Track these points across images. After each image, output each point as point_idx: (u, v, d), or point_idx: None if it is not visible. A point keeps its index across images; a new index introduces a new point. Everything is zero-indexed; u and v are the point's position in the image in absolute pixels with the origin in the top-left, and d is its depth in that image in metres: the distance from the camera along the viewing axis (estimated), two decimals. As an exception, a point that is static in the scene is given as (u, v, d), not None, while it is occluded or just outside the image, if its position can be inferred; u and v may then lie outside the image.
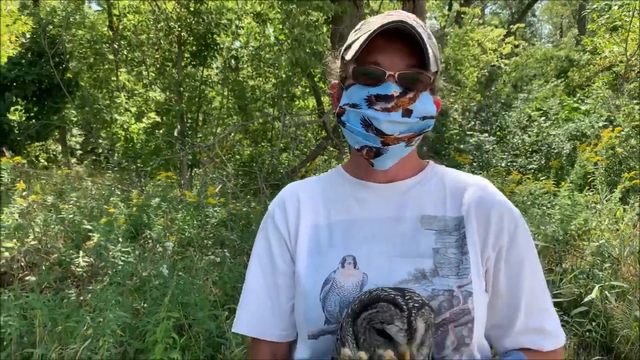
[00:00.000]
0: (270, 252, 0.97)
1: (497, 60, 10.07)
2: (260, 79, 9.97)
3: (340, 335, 0.76)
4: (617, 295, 3.27)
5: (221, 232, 4.94)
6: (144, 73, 9.88)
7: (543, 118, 8.13)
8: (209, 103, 10.11)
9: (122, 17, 9.96)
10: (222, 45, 9.50)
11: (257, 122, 9.59)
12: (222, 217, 5.23)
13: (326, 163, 8.77)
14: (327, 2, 6.00)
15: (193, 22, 8.30)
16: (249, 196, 7.00)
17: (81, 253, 4.24)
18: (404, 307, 0.71)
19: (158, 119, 9.42)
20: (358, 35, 0.88)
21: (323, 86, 9.63)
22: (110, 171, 8.80)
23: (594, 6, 8.77)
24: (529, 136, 8.00)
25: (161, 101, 9.36)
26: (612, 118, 7.07)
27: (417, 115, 0.86)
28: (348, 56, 0.87)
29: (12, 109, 8.94)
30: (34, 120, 8.86)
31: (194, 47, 9.05)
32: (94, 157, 9.31)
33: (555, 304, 3.28)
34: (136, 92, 10.09)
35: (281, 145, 8.92)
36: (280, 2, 7.44)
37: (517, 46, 11.01)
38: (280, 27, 9.03)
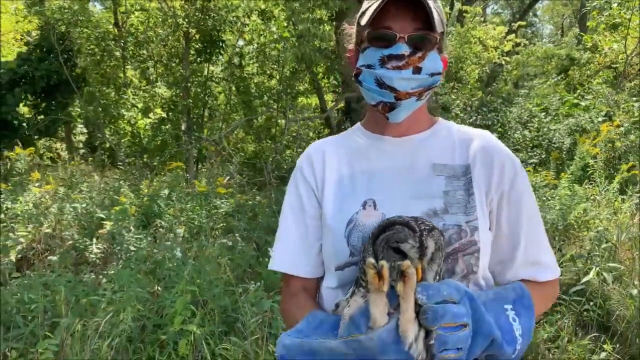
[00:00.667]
0: (300, 200, 1.11)
1: (499, 58, 10.18)
2: (265, 75, 10.09)
3: (363, 255, 0.88)
4: (614, 278, 3.40)
5: (229, 222, 5.08)
6: (151, 70, 10.00)
7: (543, 114, 8.26)
8: (214, 99, 10.24)
9: (129, 14, 10.10)
10: (227, 43, 9.63)
11: (261, 118, 9.72)
12: (230, 208, 5.36)
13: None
14: (332, -2, 6.12)
15: (201, 18, 8.43)
16: (254, 190, 7.15)
17: (94, 240, 4.37)
18: (417, 229, 0.82)
19: (164, 114, 9.54)
20: (371, 3, 1.01)
21: (326, 82, 9.77)
22: (116, 168, 8.94)
23: (594, 4, 8.88)
24: (530, 131, 8.12)
25: (167, 97, 9.49)
26: (612, 113, 7.19)
27: (426, 72, 0.98)
28: (363, 21, 1.00)
29: (21, 104, 9.08)
30: (42, 116, 9.00)
31: (199, 44, 9.18)
32: (101, 152, 9.41)
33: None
34: (142, 87, 10.21)
35: (285, 142, 9.07)
36: (284, 0, 7.59)
37: (518, 44, 11.11)
38: (285, 24, 9.17)
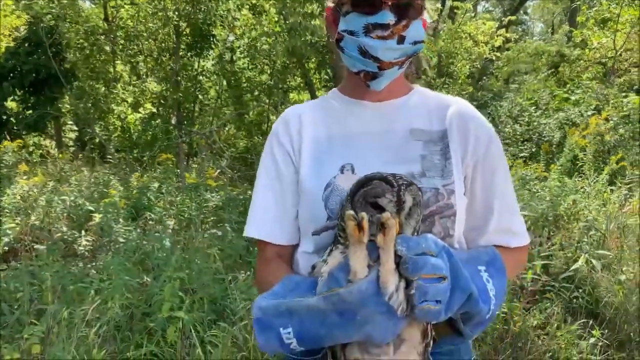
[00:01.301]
0: (276, 165, 1.08)
1: (489, 53, 10.22)
2: (256, 70, 10.06)
3: (342, 212, 0.87)
4: (602, 265, 3.43)
5: (220, 215, 5.05)
6: (141, 64, 9.93)
7: (534, 108, 8.31)
8: (205, 93, 10.19)
9: (118, 8, 10.01)
10: (218, 38, 9.59)
11: (252, 113, 9.70)
12: (221, 201, 5.34)
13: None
14: (323, -9, 6.12)
15: (191, 12, 8.38)
16: (245, 184, 7.13)
17: (83, 232, 4.33)
18: (394, 183, 0.82)
19: (154, 109, 9.49)
20: None
21: (318, 77, 9.76)
22: (106, 163, 8.87)
23: (584, -1, 8.94)
24: (520, 125, 8.17)
25: (157, 91, 9.43)
26: (601, 107, 7.24)
27: (410, 41, 0.98)
28: None
29: (9, 98, 8.98)
30: (31, 111, 8.90)
31: (189, 38, 9.13)
32: (91, 147, 9.33)
33: (545, 272, 3.43)
34: (132, 82, 10.14)
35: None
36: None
37: (508, 40, 11.16)
38: (275, 19, 9.14)
